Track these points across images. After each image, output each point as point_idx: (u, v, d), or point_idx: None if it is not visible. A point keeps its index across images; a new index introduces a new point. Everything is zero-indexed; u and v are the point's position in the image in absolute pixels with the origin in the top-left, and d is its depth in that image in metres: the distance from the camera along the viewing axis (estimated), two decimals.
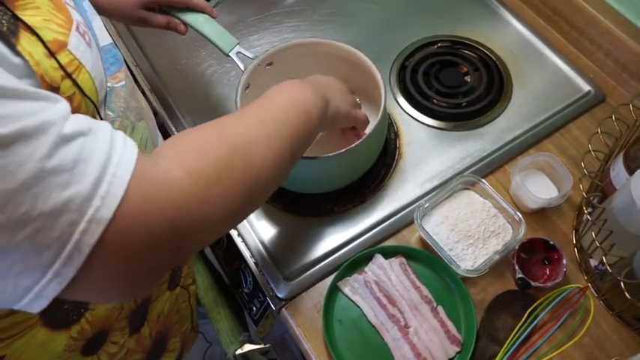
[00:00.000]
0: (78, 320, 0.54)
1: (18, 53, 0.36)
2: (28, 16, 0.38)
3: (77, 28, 0.42)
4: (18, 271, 0.32)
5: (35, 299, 0.33)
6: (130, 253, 0.35)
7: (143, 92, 0.93)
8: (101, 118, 0.46)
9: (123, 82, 0.55)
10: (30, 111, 0.32)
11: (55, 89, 0.39)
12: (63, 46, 0.40)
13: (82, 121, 0.35)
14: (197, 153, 0.41)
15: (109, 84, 0.51)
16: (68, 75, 0.40)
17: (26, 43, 0.37)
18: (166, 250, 0.37)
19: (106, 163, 0.34)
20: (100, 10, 0.73)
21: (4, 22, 0.36)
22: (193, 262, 0.83)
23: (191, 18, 0.76)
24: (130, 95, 0.57)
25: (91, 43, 0.45)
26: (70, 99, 0.40)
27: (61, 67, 0.39)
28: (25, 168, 0.30)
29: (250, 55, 0.76)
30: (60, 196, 0.31)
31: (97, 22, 0.54)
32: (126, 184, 0.34)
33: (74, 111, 0.40)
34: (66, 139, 0.33)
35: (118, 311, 0.59)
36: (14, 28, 0.36)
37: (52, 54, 0.39)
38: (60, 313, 0.51)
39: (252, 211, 0.52)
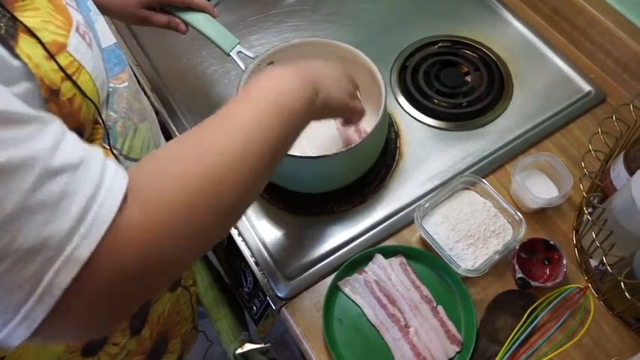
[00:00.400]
0: None
1: (17, 56, 0.36)
2: (27, 18, 0.37)
3: (77, 29, 0.42)
4: None
5: (6, 339, 0.32)
6: (104, 294, 0.34)
7: (144, 91, 0.93)
8: (102, 119, 0.46)
9: (126, 83, 0.55)
10: (19, 138, 0.30)
11: (55, 92, 0.39)
12: (62, 47, 0.40)
13: (73, 150, 0.33)
14: (170, 190, 0.38)
15: (112, 84, 0.51)
16: (68, 77, 0.40)
17: (25, 45, 0.37)
18: (136, 288, 0.37)
19: (89, 203, 0.33)
20: (101, 9, 0.73)
21: (2, 24, 0.36)
22: (193, 263, 0.83)
23: (192, 17, 0.76)
24: (133, 96, 0.56)
25: (91, 44, 0.44)
26: (70, 101, 0.40)
27: (61, 68, 0.39)
28: (6, 202, 0.29)
29: (251, 55, 0.76)
30: (38, 235, 0.30)
31: (101, 22, 0.54)
32: (105, 228, 0.33)
33: (75, 113, 0.39)
34: (53, 173, 0.31)
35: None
36: (13, 30, 0.36)
37: (51, 56, 0.38)
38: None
39: (232, 226, 0.50)
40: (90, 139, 0.46)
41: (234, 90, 0.73)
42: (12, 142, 0.30)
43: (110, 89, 0.51)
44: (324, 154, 0.69)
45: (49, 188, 0.31)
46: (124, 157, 0.52)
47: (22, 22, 0.37)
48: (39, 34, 0.38)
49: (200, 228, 0.39)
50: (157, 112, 0.89)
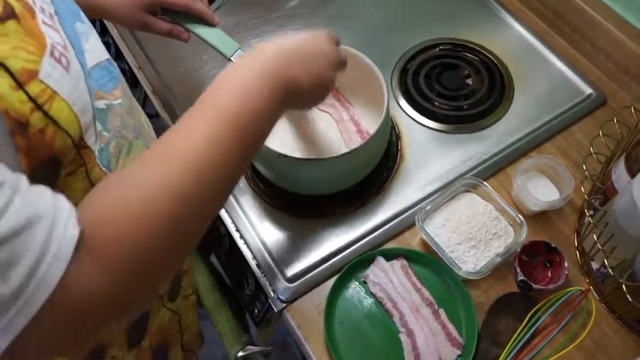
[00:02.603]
0: None
1: None
2: None
3: (52, 53, 0.39)
4: None
5: None
6: (47, 352, 0.36)
7: (146, 95, 0.93)
8: (80, 147, 0.44)
9: (119, 100, 0.53)
10: None
11: (23, 124, 0.36)
12: (33, 75, 0.37)
13: (18, 212, 0.33)
14: (121, 242, 0.37)
15: (105, 101, 0.50)
16: (39, 107, 0.37)
17: None
18: (91, 333, 0.39)
19: (34, 267, 0.33)
20: (102, 13, 0.73)
21: None
22: (193, 272, 0.83)
23: (192, 23, 0.76)
24: (127, 113, 0.55)
25: (69, 67, 0.41)
26: (41, 132, 0.38)
27: (31, 98, 0.36)
28: None
29: None
30: None
31: (94, 37, 0.52)
32: (48, 295, 0.34)
33: (48, 143, 0.38)
34: None
35: (115, 326, 0.59)
36: None
37: (20, 85, 0.36)
38: None
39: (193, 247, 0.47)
40: (77, 164, 0.45)
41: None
42: None
43: (104, 106, 0.49)
44: (326, 156, 0.69)
45: None
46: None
47: None
48: (7, 63, 0.35)
49: (158, 272, 0.41)
50: (158, 116, 0.90)
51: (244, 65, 0.49)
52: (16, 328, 0.33)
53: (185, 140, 0.43)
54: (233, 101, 0.46)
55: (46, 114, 0.38)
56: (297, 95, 0.52)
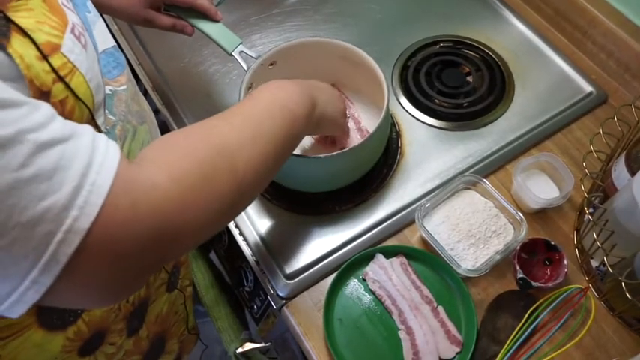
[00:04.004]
0: (74, 321, 0.53)
1: (8, 55, 0.35)
2: (20, 18, 0.37)
3: (72, 30, 0.42)
4: None
5: (14, 305, 0.33)
6: (111, 262, 0.35)
7: (145, 91, 0.93)
8: (96, 123, 0.46)
9: (125, 86, 0.54)
10: (7, 120, 0.31)
11: (46, 93, 0.38)
12: (56, 48, 0.39)
13: (63, 126, 0.34)
14: (182, 157, 0.40)
15: (110, 87, 0.51)
16: (61, 78, 0.39)
17: (18, 45, 0.36)
18: (149, 257, 0.37)
19: (85, 171, 0.33)
20: (105, 9, 0.73)
21: None
22: (190, 263, 0.83)
23: (194, 18, 0.76)
24: (132, 99, 0.56)
25: (86, 46, 0.44)
26: (62, 103, 0.40)
27: (54, 70, 0.39)
28: (0, 179, 0.30)
29: (253, 55, 0.76)
30: (37, 207, 0.31)
31: (100, 24, 0.53)
32: (106, 193, 0.33)
33: (67, 115, 0.39)
34: (44, 147, 0.32)
35: (115, 312, 0.59)
36: (6, 30, 0.36)
37: (44, 57, 0.38)
38: (56, 315, 0.51)
39: (238, 214, 0.51)
40: None
41: (235, 89, 0.73)
42: (1, 123, 0.30)
43: (109, 92, 0.50)
44: (326, 154, 0.69)
45: (42, 161, 0.31)
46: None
47: (15, 23, 0.36)
48: (33, 35, 0.37)
49: (208, 197, 0.40)
50: (158, 112, 0.90)
51: (281, 80, 0.57)
52: (77, 234, 0.32)
53: (242, 111, 0.49)
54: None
55: (67, 85, 0.40)
56: (320, 118, 0.61)
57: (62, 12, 0.42)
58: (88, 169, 0.33)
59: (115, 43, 0.56)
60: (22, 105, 0.32)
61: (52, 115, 0.34)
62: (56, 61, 0.39)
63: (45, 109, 0.34)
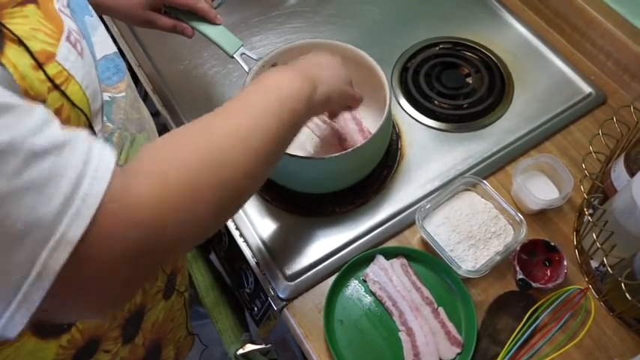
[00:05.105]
0: (68, 329, 0.53)
1: (2, 65, 0.35)
2: (15, 26, 0.36)
3: (68, 38, 0.41)
4: None
5: (5, 327, 0.32)
6: (103, 272, 0.34)
7: (145, 93, 0.93)
8: (93, 130, 0.45)
9: (123, 94, 0.54)
10: (2, 125, 0.30)
11: (41, 102, 0.37)
12: (51, 56, 0.38)
13: (58, 133, 0.33)
14: (173, 166, 0.39)
15: (109, 94, 0.50)
16: (56, 86, 0.39)
17: (12, 54, 0.35)
18: (139, 267, 0.37)
19: (78, 181, 0.32)
20: (106, 10, 0.73)
21: None
22: (186, 269, 0.83)
23: (195, 20, 0.76)
24: (131, 106, 0.56)
25: (83, 53, 0.43)
26: (58, 111, 0.39)
27: (49, 78, 0.38)
28: None
29: (254, 57, 0.76)
30: (27, 218, 0.30)
31: (101, 30, 0.53)
32: (97, 204, 0.33)
33: (63, 123, 0.38)
34: (37, 155, 0.31)
35: (110, 321, 0.59)
36: None
37: (39, 65, 0.37)
38: (49, 324, 0.51)
39: (233, 215, 0.50)
40: None
41: (235, 91, 0.74)
42: None
43: (108, 99, 0.50)
44: (327, 155, 0.69)
45: (35, 170, 0.31)
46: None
47: (9, 30, 0.36)
48: (27, 43, 0.37)
49: (200, 205, 0.39)
50: (158, 114, 0.90)
51: (279, 70, 0.56)
52: (68, 244, 0.31)
53: (235, 108, 0.48)
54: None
55: (63, 93, 0.39)
56: (325, 97, 0.59)
57: (58, 18, 0.41)
58: (81, 178, 0.32)
59: (116, 49, 0.55)
60: (16, 108, 0.31)
61: (46, 121, 0.33)
62: (51, 69, 0.38)
63: (39, 112, 0.33)
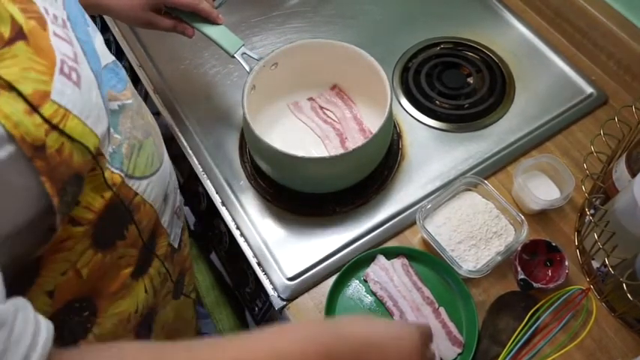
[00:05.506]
0: (85, 336, 0.53)
1: None
2: (4, 69, 0.34)
3: (61, 70, 0.38)
4: None
5: None
6: None
7: (146, 93, 0.93)
8: (97, 154, 0.44)
9: (130, 100, 0.53)
10: None
11: (40, 147, 0.36)
12: (46, 96, 0.36)
13: None
14: None
15: (118, 102, 0.50)
16: (54, 127, 0.37)
17: (3, 102, 0.33)
18: None
19: None
20: (107, 11, 0.73)
21: None
22: (193, 270, 0.83)
23: (196, 21, 0.76)
24: (137, 113, 0.55)
25: (79, 81, 0.40)
26: (59, 151, 0.37)
27: (46, 120, 0.36)
28: None
29: (255, 56, 0.76)
30: None
31: (99, 39, 0.52)
32: None
33: (66, 161, 0.37)
34: None
35: (124, 324, 0.59)
36: None
37: (34, 109, 0.35)
38: (67, 331, 0.50)
39: None
40: (92, 169, 0.44)
41: (236, 91, 0.74)
42: None
43: (117, 107, 0.49)
44: (328, 155, 0.69)
45: None
46: (127, 177, 0.50)
47: None
48: (19, 87, 0.34)
49: None
50: (159, 114, 0.90)
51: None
52: None
53: None
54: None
55: (62, 132, 0.37)
56: None
57: (50, 50, 0.38)
58: None
59: (114, 58, 0.54)
60: None
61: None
62: (47, 110, 0.36)
63: None
